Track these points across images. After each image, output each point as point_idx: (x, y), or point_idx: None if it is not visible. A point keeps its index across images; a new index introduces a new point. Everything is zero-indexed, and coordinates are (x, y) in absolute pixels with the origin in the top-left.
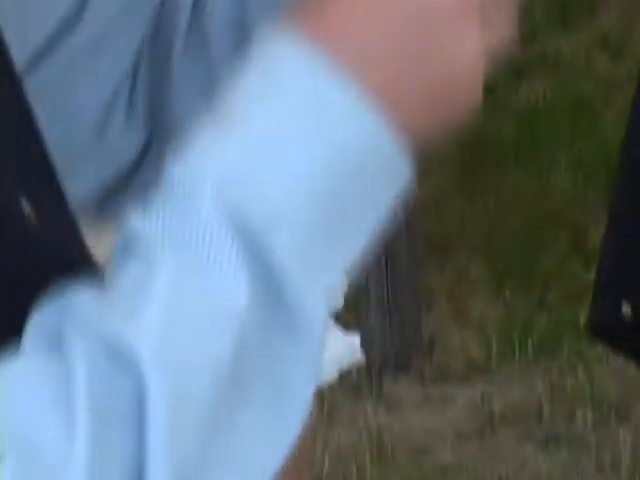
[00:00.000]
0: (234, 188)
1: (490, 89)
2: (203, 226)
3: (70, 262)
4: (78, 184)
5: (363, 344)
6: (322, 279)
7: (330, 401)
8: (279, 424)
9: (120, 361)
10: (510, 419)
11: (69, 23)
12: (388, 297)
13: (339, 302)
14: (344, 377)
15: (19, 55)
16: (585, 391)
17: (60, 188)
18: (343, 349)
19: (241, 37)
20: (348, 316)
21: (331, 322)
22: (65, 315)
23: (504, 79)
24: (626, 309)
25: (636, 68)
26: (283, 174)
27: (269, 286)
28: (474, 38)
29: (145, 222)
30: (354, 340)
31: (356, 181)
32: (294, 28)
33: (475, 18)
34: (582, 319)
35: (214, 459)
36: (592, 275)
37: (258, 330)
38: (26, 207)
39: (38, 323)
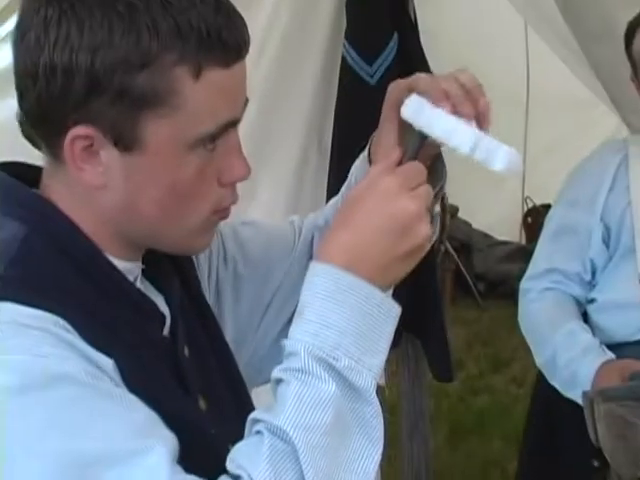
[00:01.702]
0: (317, 345)
1: None
2: (307, 365)
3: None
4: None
5: None
6: (370, 366)
7: None
8: (369, 445)
9: (278, 436)
10: None
11: None
12: None
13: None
14: None
15: None
16: None
17: (239, 392)
18: None
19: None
20: None
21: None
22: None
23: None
24: None
25: (531, 390)
26: (336, 331)
27: (344, 381)
28: (425, 224)
29: (282, 372)
30: None
31: (369, 316)
32: (326, 257)
33: (425, 215)
34: None
35: (339, 473)
36: None
37: (345, 402)
38: (202, 404)
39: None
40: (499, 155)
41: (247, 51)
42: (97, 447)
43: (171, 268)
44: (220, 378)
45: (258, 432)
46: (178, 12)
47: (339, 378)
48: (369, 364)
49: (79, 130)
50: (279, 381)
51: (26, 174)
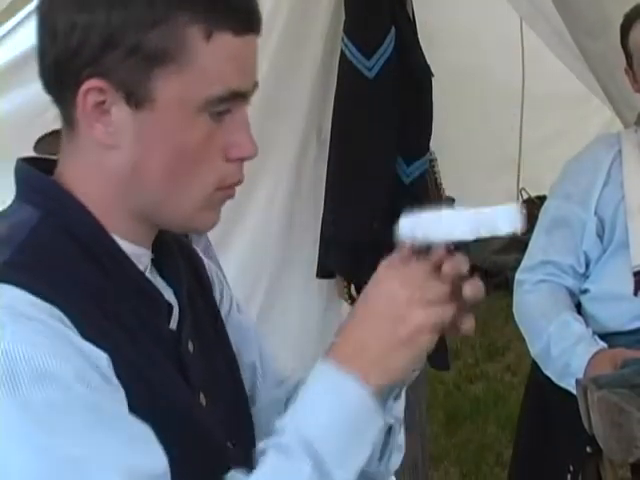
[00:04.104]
0: (301, 431)
1: None
2: (288, 446)
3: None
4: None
5: None
6: (349, 464)
7: None
8: None
9: None
10: None
11: None
12: None
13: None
14: None
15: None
16: None
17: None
18: None
19: None
20: None
21: None
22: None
23: None
24: None
25: (525, 378)
26: (321, 423)
27: (321, 468)
28: (421, 315)
29: (269, 443)
30: None
31: (353, 419)
32: (330, 359)
33: (421, 304)
34: None
35: None
36: None
37: None
38: (203, 399)
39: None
40: (500, 220)
41: (258, 28)
42: (76, 452)
43: (182, 262)
44: (224, 376)
45: None
46: None
47: (318, 466)
48: (353, 461)
49: (92, 82)
50: (262, 452)
51: (43, 166)
